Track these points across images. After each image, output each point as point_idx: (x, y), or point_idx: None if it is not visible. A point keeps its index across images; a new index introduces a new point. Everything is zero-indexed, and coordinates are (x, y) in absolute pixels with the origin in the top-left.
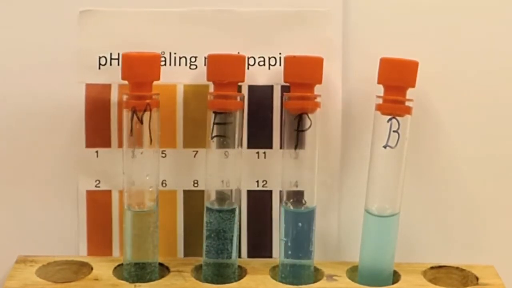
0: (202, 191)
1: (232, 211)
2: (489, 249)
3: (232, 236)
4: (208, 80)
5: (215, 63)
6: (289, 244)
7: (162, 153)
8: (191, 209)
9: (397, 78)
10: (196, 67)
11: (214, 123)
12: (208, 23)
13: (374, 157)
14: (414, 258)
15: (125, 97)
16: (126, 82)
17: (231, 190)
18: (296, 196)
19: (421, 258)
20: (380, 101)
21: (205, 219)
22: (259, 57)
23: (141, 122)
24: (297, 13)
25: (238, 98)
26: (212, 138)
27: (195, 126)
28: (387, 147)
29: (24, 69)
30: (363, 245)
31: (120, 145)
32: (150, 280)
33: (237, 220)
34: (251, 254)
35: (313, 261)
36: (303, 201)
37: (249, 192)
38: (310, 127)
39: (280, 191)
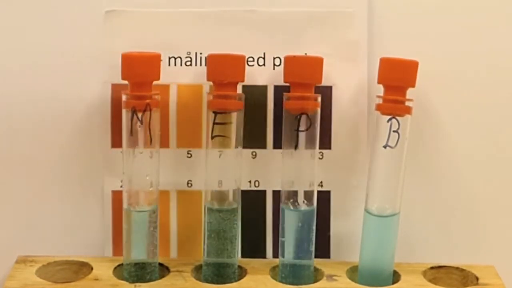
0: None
1: (232, 211)
2: (489, 249)
3: (232, 236)
4: (208, 80)
5: (215, 63)
6: (289, 244)
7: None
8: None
9: (397, 78)
10: None
11: (214, 123)
12: (233, 23)
13: (374, 157)
14: (414, 258)
15: (124, 97)
16: (157, 82)
17: (231, 190)
18: (294, 197)
19: (421, 258)
20: (380, 101)
21: (204, 219)
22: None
23: (141, 122)
24: (322, 13)
25: (238, 98)
26: (212, 138)
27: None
28: (387, 147)
29: (50, 70)
30: (363, 245)
31: (145, 145)
32: (150, 280)
33: (238, 220)
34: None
35: (313, 261)
36: (303, 201)
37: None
38: (310, 127)
39: (280, 191)
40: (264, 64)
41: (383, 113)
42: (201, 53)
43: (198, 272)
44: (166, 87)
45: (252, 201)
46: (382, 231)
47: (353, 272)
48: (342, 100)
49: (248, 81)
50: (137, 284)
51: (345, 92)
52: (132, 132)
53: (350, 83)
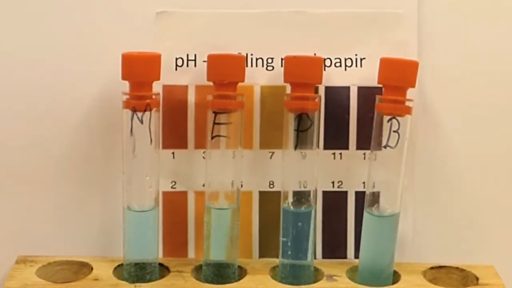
0: (278, 192)
1: (233, 211)
2: (489, 249)
3: (233, 236)
4: (208, 80)
5: (215, 63)
6: (289, 244)
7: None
8: (267, 210)
9: (397, 78)
10: (273, 68)
11: (214, 123)
12: (284, 25)
13: (374, 157)
14: (414, 258)
15: (125, 97)
16: (204, 83)
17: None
18: (298, 196)
19: (421, 258)
20: (380, 101)
21: (205, 219)
22: (335, 58)
23: (141, 122)
24: (372, 14)
25: (239, 98)
26: (212, 138)
27: (271, 127)
28: (387, 147)
29: (101, 71)
30: (363, 245)
31: (197, 146)
32: (150, 280)
33: (238, 220)
34: (326, 255)
35: (313, 261)
36: (308, 200)
37: (324, 193)
38: (310, 127)
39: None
40: None
41: (383, 113)
42: (251, 54)
43: (198, 272)
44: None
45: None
46: (382, 231)
47: (353, 272)
48: None
49: None
50: (137, 284)
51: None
52: (132, 132)
53: None
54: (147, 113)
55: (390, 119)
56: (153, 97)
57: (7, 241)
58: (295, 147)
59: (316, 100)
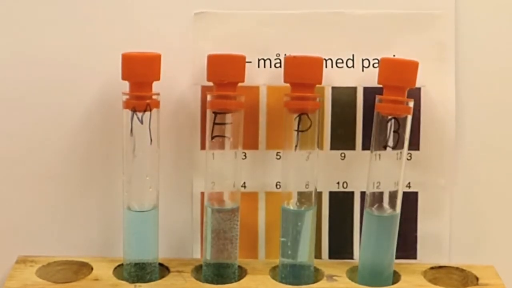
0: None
1: (232, 211)
2: (489, 249)
3: (232, 236)
4: (208, 80)
5: (215, 63)
6: (289, 244)
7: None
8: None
9: (397, 78)
10: None
11: (214, 123)
12: (321, 25)
13: (374, 157)
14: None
15: (125, 97)
16: (244, 84)
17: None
18: (299, 196)
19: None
20: (380, 101)
21: (205, 219)
22: (373, 59)
23: (141, 122)
24: (409, 15)
25: (239, 99)
26: (212, 138)
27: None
28: (387, 147)
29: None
30: (363, 245)
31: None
32: (150, 280)
33: (237, 220)
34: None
35: (313, 261)
36: (309, 200)
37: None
38: (310, 127)
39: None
40: (353, 66)
41: (383, 113)
42: (289, 55)
43: (198, 272)
44: (256, 89)
45: (340, 202)
46: (382, 231)
47: (353, 272)
48: (430, 101)
49: (337, 82)
50: (137, 284)
51: (434, 93)
52: (132, 132)
53: (439, 84)
54: (147, 113)
55: (390, 119)
56: (153, 97)
57: (7, 241)
58: (296, 148)
59: (316, 100)
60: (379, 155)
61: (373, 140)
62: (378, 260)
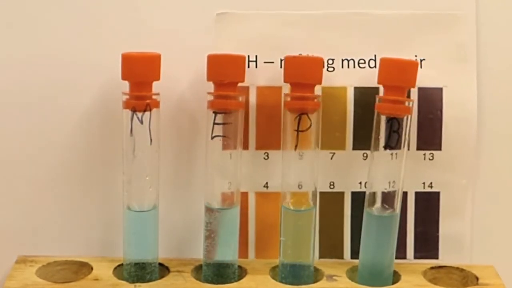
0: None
1: (232, 211)
2: (489, 249)
3: (231, 237)
4: (208, 80)
5: (215, 63)
6: (289, 244)
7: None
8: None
9: (397, 78)
10: (334, 70)
11: (214, 123)
12: (342, 26)
13: (374, 157)
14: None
15: (125, 97)
16: (264, 84)
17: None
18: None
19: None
20: (380, 101)
21: (205, 219)
22: None
23: (141, 122)
24: (431, 16)
25: (240, 98)
26: (212, 138)
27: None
28: (387, 147)
29: (161, 72)
30: (363, 245)
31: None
32: (150, 280)
33: (237, 220)
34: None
35: (313, 261)
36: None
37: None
38: (310, 127)
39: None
40: (375, 66)
41: (383, 113)
42: (312, 55)
43: (198, 272)
44: (278, 89)
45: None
46: (382, 231)
47: (353, 272)
48: (452, 102)
49: (360, 82)
50: (137, 284)
51: (455, 94)
52: (132, 132)
53: (460, 84)
54: (147, 113)
55: (390, 119)
56: (153, 97)
57: (7, 241)
58: (295, 148)
59: (316, 100)
60: (379, 155)
61: (372, 140)
62: (378, 260)
